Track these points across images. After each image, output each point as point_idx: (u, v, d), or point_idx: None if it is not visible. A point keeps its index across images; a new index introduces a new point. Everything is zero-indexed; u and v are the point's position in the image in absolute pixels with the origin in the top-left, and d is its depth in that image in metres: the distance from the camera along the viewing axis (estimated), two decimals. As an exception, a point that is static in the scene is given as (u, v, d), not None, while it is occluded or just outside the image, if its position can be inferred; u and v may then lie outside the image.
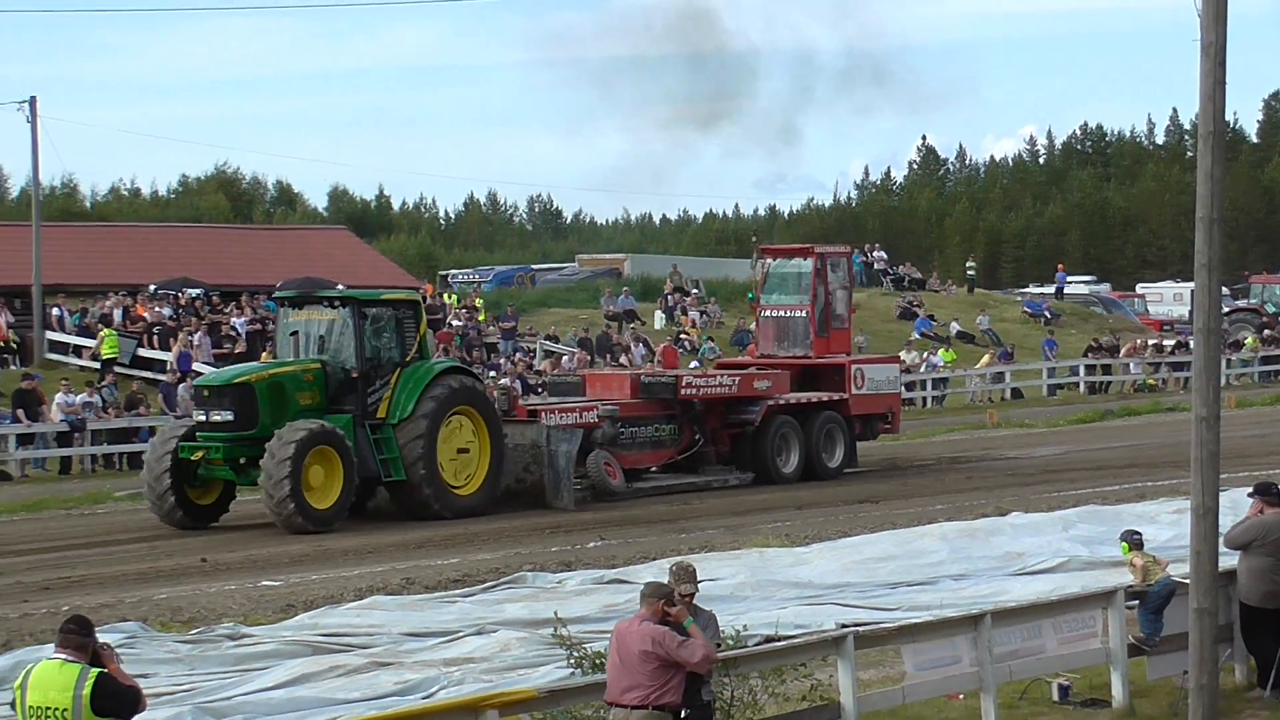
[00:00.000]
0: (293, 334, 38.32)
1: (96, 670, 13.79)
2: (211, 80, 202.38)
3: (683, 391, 39.46)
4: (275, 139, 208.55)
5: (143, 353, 62.22)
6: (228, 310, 67.43)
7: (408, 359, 35.40)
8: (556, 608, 23.66)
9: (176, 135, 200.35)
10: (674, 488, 40.00)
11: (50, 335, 64.09)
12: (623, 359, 67.20)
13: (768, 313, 45.03)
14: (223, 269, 75.84)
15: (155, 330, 63.25)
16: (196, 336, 61.87)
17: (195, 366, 58.19)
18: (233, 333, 64.44)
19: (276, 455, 32.63)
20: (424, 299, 41.20)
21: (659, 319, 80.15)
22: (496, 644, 23.69)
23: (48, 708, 13.59)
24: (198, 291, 69.66)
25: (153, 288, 68.56)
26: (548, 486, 36.78)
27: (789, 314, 44.17)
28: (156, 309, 65.62)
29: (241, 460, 34.78)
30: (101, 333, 62.09)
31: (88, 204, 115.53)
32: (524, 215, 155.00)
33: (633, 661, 14.90)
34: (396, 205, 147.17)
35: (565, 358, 65.68)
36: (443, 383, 35.38)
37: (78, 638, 13.97)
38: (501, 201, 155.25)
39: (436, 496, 35.06)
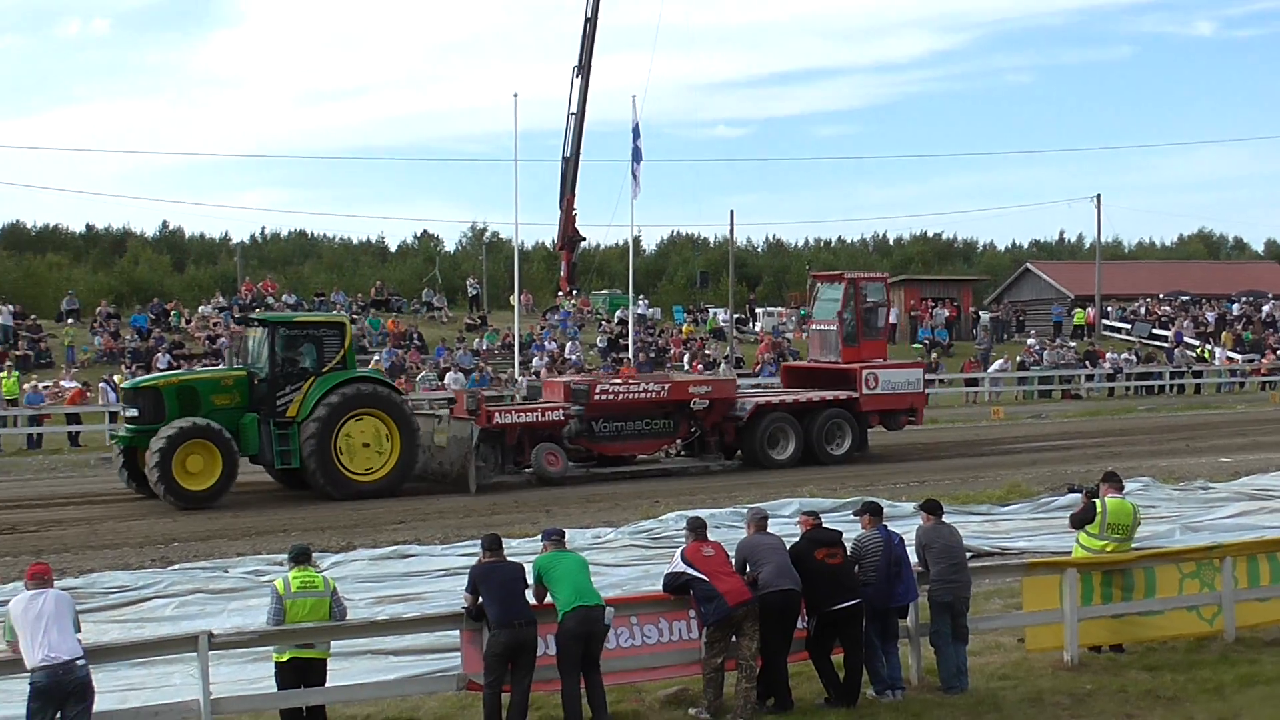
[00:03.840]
0: (234, 346, 31.31)
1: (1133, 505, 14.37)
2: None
3: (595, 397, 28.33)
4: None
5: None
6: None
7: (324, 369, 26.43)
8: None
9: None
10: (641, 472, 29.03)
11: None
12: None
13: (815, 326, 33.71)
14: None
15: None
16: None
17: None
18: None
19: (152, 448, 25.13)
20: (351, 322, 29.70)
21: None
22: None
23: (1120, 525, 14.06)
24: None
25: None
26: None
27: (826, 328, 32.56)
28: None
29: None
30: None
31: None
32: None
33: None
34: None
35: None
36: (344, 390, 26.24)
37: (1118, 482, 14.60)
38: None
39: (329, 481, 26.09)
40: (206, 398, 25.99)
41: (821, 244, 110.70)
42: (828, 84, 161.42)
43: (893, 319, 59.97)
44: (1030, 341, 57.78)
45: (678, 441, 29.92)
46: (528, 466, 27.88)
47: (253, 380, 26.49)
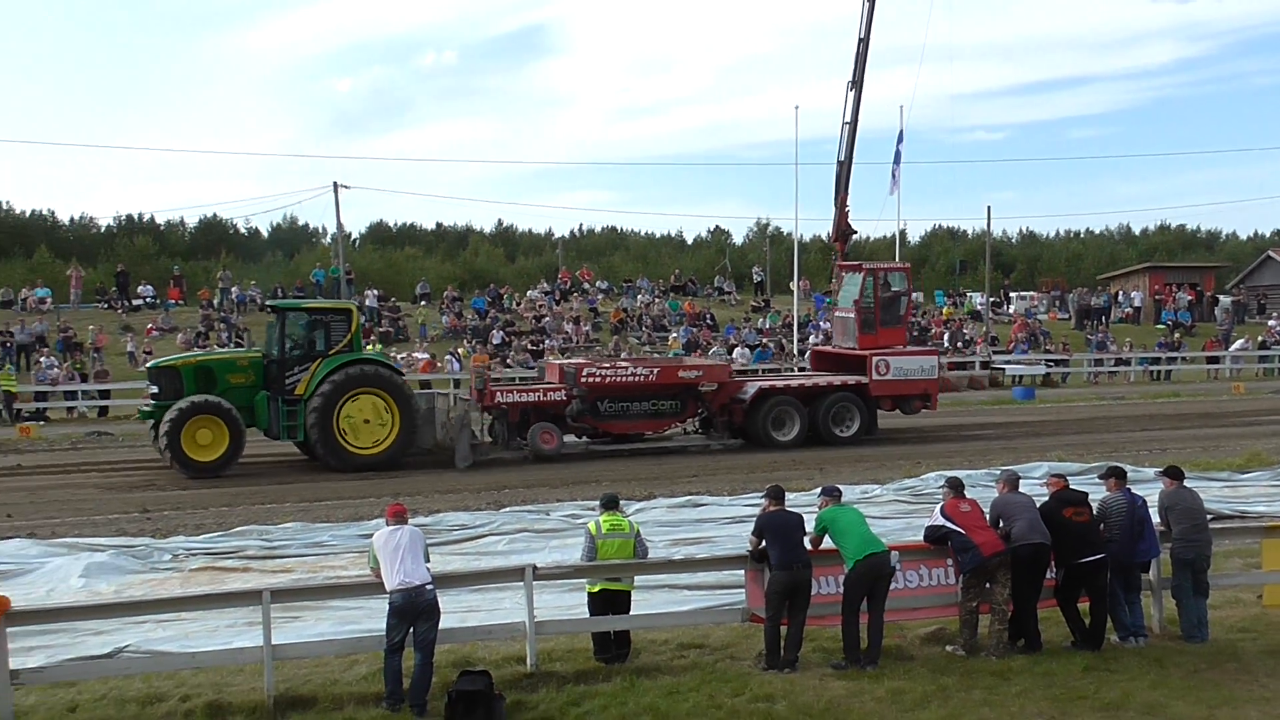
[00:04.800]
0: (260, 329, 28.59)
1: None
2: None
3: (582, 380, 25.90)
4: None
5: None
6: None
7: (331, 352, 24.71)
8: None
9: None
10: (641, 450, 26.61)
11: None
12: None
13: (837, 314, 30.66)
14: None
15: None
16: None
17: None
18: None
19: (163, 421, 23.76)
20: (360, 309, 27.90)
21: None
22: None
23: None
24: None
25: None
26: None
27: (847, 315, 29.48)
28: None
29: None
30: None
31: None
32: None
33: None
34: None
35: None
36: (345, 371, 24.46)
37: None
38: None
39: (330, 453, 24.37)
40: (222, 377, 24.76)
41: (1071, 235, 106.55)
42: (1080, 90, 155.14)
43: (1137, 303, 57.94)
44: (1271, 323, 54.57)
45: (692, 420, 27.74)
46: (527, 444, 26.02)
47: (266, 361, 25.16)
